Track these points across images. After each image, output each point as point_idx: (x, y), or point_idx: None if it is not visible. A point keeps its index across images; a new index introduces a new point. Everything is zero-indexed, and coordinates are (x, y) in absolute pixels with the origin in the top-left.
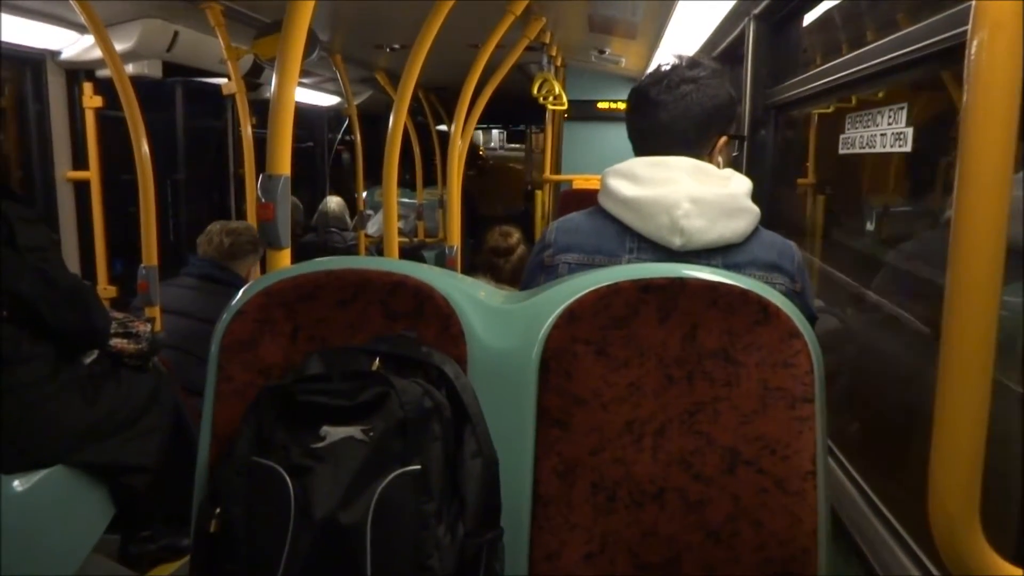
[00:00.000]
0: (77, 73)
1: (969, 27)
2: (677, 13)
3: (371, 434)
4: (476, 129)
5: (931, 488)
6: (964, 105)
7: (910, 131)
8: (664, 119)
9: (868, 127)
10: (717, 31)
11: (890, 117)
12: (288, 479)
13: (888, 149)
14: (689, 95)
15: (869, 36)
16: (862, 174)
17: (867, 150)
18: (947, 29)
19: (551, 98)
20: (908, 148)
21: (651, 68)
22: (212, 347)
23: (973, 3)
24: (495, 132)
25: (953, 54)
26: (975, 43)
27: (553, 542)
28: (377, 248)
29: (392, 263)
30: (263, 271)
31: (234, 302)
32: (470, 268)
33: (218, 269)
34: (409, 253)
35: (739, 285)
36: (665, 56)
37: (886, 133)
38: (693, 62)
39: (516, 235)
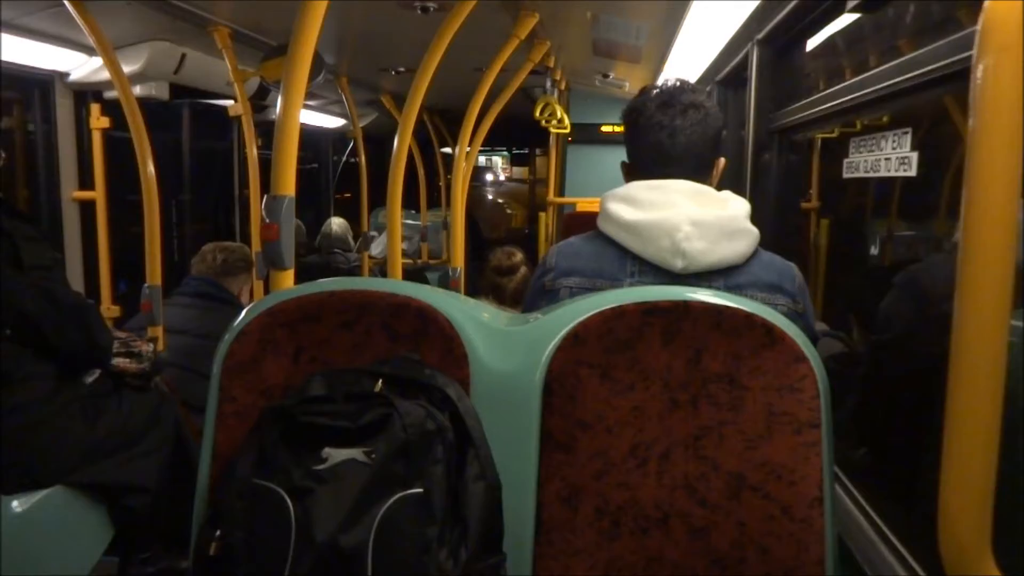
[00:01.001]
0: (85, 94)
1: (974, 52)
2: (681, 38)
3: (373, 456)
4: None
5: (941, 515)
6: (970, 130)
7: (915, 156)
8: (683, 143)
9: (872, 151)
10: (721, 55)
11: (894, 142)
12: (289, 501)
13: (892, 174)
14: (702, 121)
15: (872, 61)
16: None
17: (871, 174)
18: (952, 54)
19: (554, 121)
20: (913, 173)
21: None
22: (214, 368)
23: (978, 27)
24: (496, 159)
25: (957, 79)
26: (980, 68)
27: (557, 568)
28: (381, 269)
29: (395, 284)
30: (266, 291)
31: (236, 323)
32: (474, 291)
33: (213, 286)
34: (413, 275)
35: (743, 308)
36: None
37: (891, 158)
38: (690, 86)
39: (519, 255)
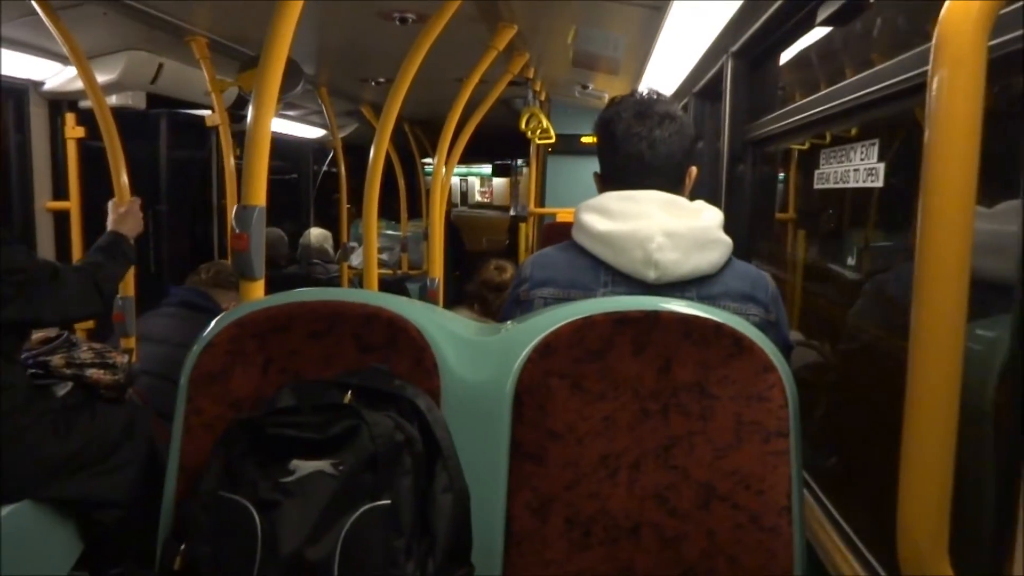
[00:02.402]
0: (60, 103)
1: (930, 64)
2: (657, 50)
3: (341, 468)
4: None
5: (899, 519)
6: (926, 140)
7: (882, 167)
8: (663, 153)
9: (842, 162)
10: (697, 68)
11: (862, 153)
12: (255, 514)
13: (861, 184)
14: (679, 131)
15: (844, 73)
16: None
17: (841, 185)
18: (915, 67)
19: (539, 132)
20: (880, 183)
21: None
22: (181, 379)
23: (933, 41)
24: (472, 180)
25: (921, 91)
26: (936, 80)
27: None
28: (360, 280)
29: (366, 295)
30: None
31: (204, 333)
32: (456, 300)
33: (198, 296)
34: (393, 285)
35: (713, 318)
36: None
37: (859, 168)
38: (661, 96)
39: (510, 271)
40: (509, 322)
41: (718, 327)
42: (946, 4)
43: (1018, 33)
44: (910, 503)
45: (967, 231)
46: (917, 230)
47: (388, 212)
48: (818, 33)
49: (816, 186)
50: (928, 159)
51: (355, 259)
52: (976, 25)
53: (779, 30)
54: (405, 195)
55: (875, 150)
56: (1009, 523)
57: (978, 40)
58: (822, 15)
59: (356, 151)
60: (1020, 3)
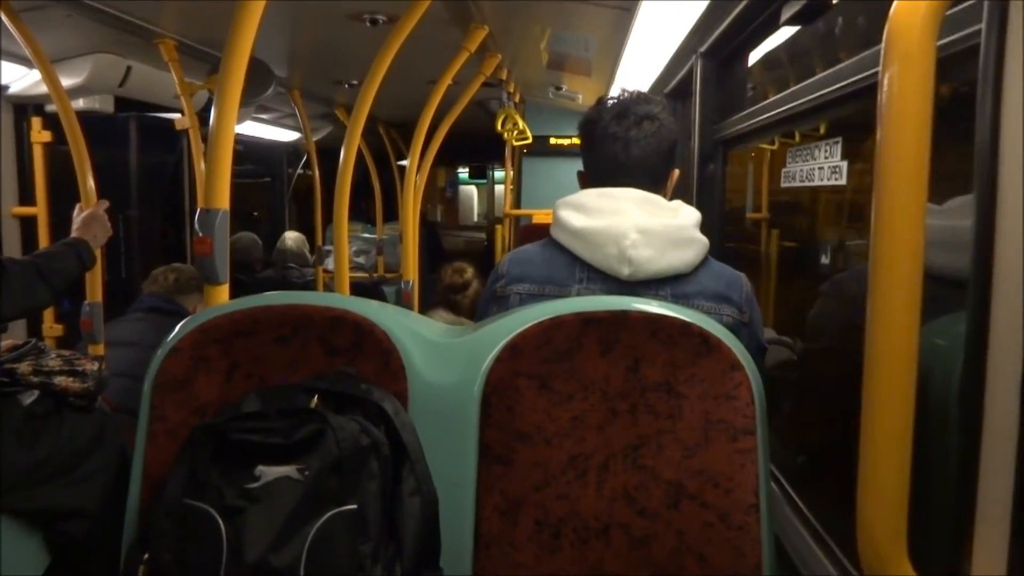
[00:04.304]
0: (26, 107)
1: (880, 61)
2: (628, 50)
3: (306, 473)
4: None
5: (859, 517)
6: (879, 138)
7: (845, 164)
8: (636, 154)
9: (807, 161)
10: (667, 68)
11: (826, 151)
12: (220, 521)
13: (826, 182)
14: (656, 133)
15: (809, 72)
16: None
17: (807, 183)
18: (871, 66)
19: (515, 133)
20: (843, 181)
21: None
22: (145, 386)
23: (883, 37)
24: (471, 191)
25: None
26: (886, 78)
27: None
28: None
29: (332, 298)
30: None
31: (168, 339)
32: (431, 302)
33: (165, 302)
34: (369, 288)
35: (681, 317)
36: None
37: (823, 167)
38: (645, 97)
39: (470, 271)
40: (477, 323)
41: (686, 326)
42: (894, 5)
43: (965, 32)
44: (868, 501)
45: (919, 227)
46: (871, 225)
47: (365, 215)
48: (786, 32)
49: (783, 184)
50: (880, 157)
51: (330, 262)
52: (924, 25)
53: (745, 30)
54: (381, 198)
55: (838, 148)
56: (968, 520)
57: (926, 40)
58: (786, 15)
59: (331, 154)
60: (966, 4)
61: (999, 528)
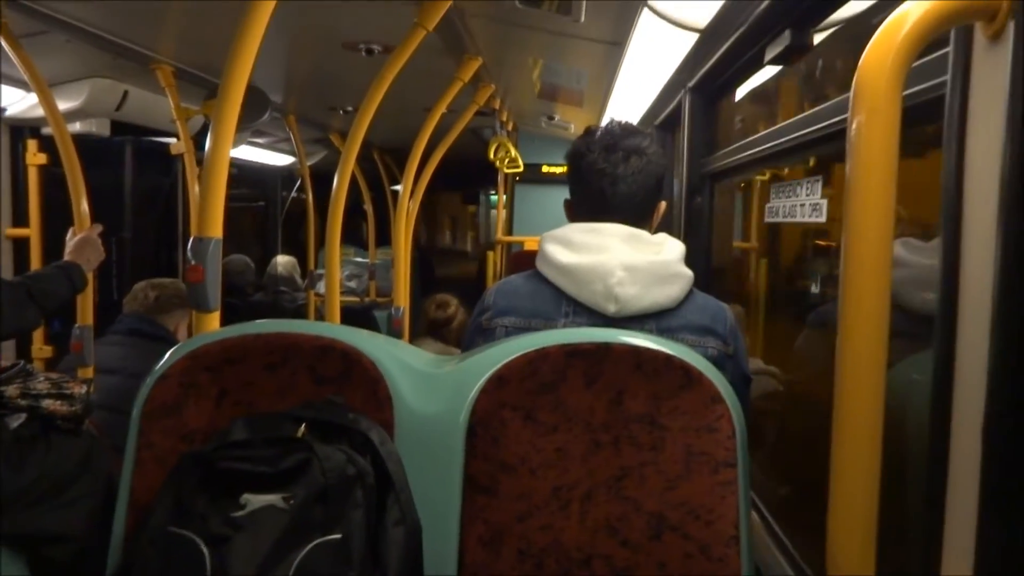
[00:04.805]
0: (22, 130)
1: (849, 110)
2: (619, 83)
3: (292, 502)
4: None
5: (828, 543)
6: (847, 180)
7: (825, 202)
8: (624, 191)
9: (789, 197)
10: (657, 101)
11: (807, 188)
12: (205, 550)
13: (807, 220)
14: (644, 168)
15: (794, 109)
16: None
17: (789, 219)
18: (845, 110)
19: (507, 161)
20: (823, 219)
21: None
22: (133, 412)
23: (851, 90)
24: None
25: None
26: (854, 124)
27: None
28: None
29: (321, 326)
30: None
31: (158, 366)
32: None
33: (146, 323)
34: (360, 313)
35: (664, 350)
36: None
37: (804, 203)
38: (633, 129)
39: (453, 304)
40: (464, 354)
41: (668, 359)
42: (863, 55)
43: (930, 84)
44: (838, 528)
45: (886, 267)
46: (841, 259)
47: (357, 239)
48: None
49: (767, 220)
50: (849, 198)
51: (322, 287)
52: (891, 75)
53: (732, 67)
54: (374, 222)
55: (819, 186)
56: (936, 548)
57: (893, 90)
58: (770, 55)
59: (325, 178)
60: (933, 56)
61: (965, 559)
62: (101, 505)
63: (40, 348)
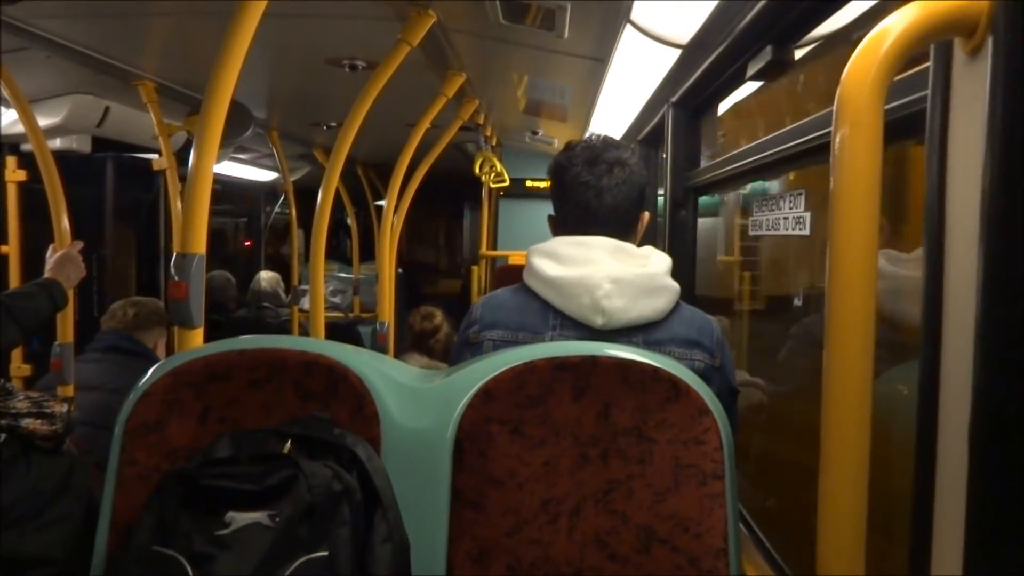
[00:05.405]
0: (1, 146)
1: (832, 124)
2: (603, 98)
3: (277, 519)
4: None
5: (818, 557)
6: (831, 193)
7: (808, 215)
8: (608, 202)
9: (773, 211)
10: (640, 116)
11: (791, 202)
12: (189, 569)
13: (790, 232)
14: (627, 180)
15: (775, 125)
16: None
17: (772, 232)
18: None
19: (492, 175)
20: (807, 232)
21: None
22: (116, 429)
23: (834, 104)
24: None
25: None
26: (838, 137)
27: None
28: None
29: (306, 342)
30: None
31: (140, 383)
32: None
33: (125, 340)
34: (344, 328)
35: (651, 363)
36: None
37: (788, 217)
38: (614, 142)
39: (438, 316)
40: (450, 368)
41: (655, 372)
42: (846, 69)
43: (912, 98)
44: (827, 542)
45: (871, 278)
46: (827, 271)
47: (341, 254)
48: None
49: (751, 232)
50: (833, 211)
51: (306, 302)
52: (872, 90)
53: (715, 82)
54: (358, 237)
55: (802, 200)
56: (925, 551)
57: (874, 104)
58: (751, 70)
59: (309, 194)
60: (914, 71)
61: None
62: (82, 525)
63: (19, 367)
